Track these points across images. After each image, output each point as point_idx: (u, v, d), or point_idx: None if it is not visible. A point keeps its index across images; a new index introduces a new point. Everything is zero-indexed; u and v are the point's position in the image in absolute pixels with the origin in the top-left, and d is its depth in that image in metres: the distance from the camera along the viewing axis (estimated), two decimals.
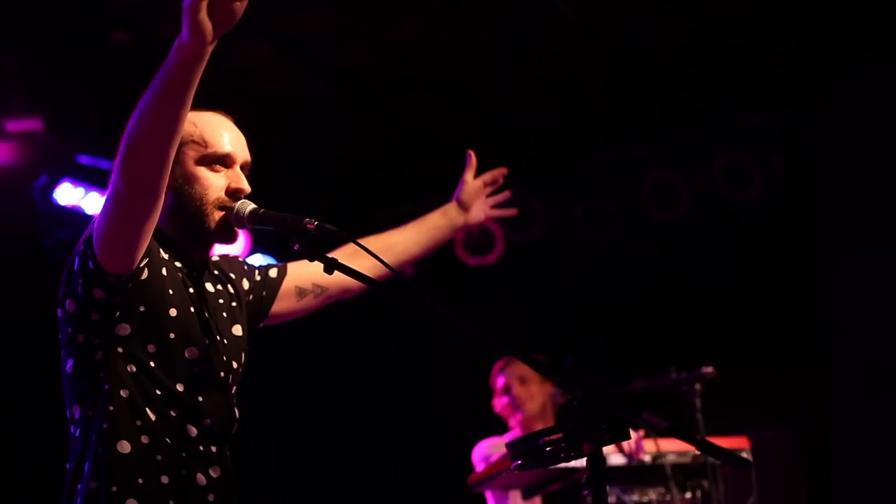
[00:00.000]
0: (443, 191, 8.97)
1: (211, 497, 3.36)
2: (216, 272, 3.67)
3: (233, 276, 3.72)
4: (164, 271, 3.37)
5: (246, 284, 3.76)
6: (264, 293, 3.81)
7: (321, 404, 9.29)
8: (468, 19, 7.47)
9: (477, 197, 4.50)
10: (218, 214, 3.45)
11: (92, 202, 7.76)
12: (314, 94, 8.11)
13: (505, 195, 4.64)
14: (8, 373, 7.33)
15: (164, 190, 3.18)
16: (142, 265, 3.27)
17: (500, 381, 6.96)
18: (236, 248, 8.80)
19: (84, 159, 7.67)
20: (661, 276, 8.72)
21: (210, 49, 2.94)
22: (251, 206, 3.42)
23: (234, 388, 3.53)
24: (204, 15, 2.87)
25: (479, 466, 6.57)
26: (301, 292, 3.89)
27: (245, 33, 7.28)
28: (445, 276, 8.99)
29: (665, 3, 7.42)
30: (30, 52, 7.11)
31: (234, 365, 3.53)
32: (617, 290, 8.89)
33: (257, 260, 8.97)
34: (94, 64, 7.40)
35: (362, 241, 3.52)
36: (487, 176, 4.56)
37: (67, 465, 3.35)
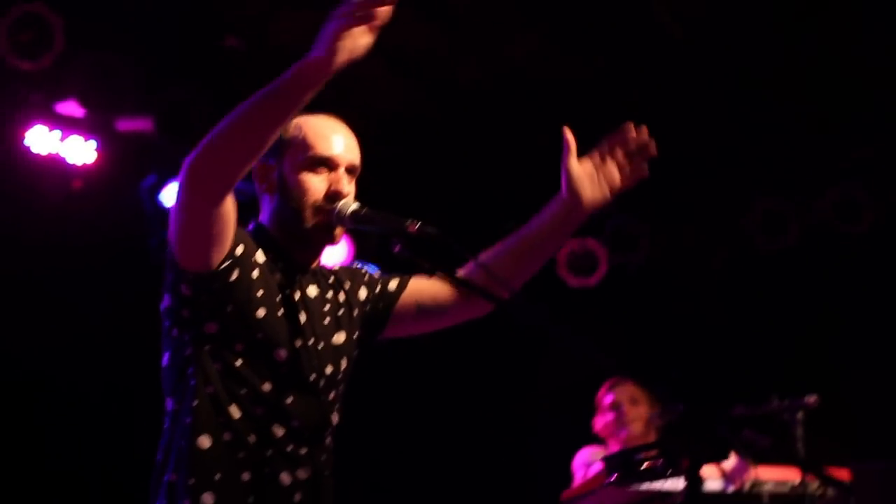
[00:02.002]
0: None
1: (297, 497, 3.35)
2: (330, 279, 3.65)
3: (348, 284, 3.69)
4: (255, 273, 3.38)
5: (363, 294, 3.73)
6: (381, 304, 3.75)
7: (411, 419, 9.27)
8: (580, 38, 7.42)
9: (591, 178, 3.78)
10: (316, 217, 3.45)
11: None
12: (424, 110, 8.11)
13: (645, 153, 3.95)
14: (116, 372, 7.39)
15: (225, 200, 3.20)
16: (224, 266, 3.29)
17: (608, 399, 6.84)
18: (339, 255, 8.84)
19: None
20: (765, 303, 8.60)
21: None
22: (354, 205, 3.40)
23: (332, 393, 3.51)
24: (344, 42, 2.92)
25: (579, 473, 6.49)
26: (420, 308, 3.78)
27: None
28: (547, 297, 8.92)
29: (781, 27, 7.32)
30: (143, 53, 7.19)
31: (329, 370, 3.50)
32: (720, 315, 8.77)
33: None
34: (207, 68, 7.47)
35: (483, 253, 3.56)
36: (608, 145, 3.86)
37: (157, 457, 3.39)
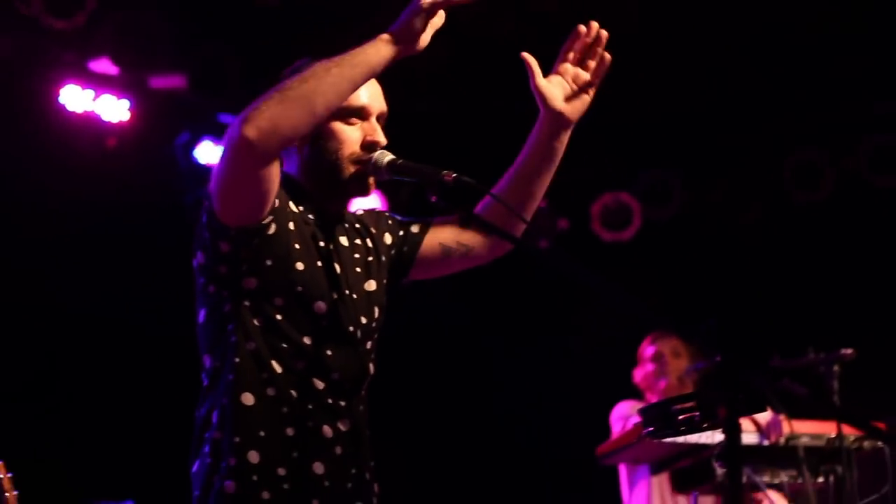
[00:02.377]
0: (579, 164, 9.00)
1: (338, 450, 3.33)
2: (357, 226, 3.62)
3: (374, 230, 3.65)
4: (291, 225, 3.35)
5: (388, 239, 3.68)
6: (405, 248, 3.70)
7: (450, 367, 9.28)
8: None
9: (564, 89, 3.74)
10: (353, 168, 3.42)
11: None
12: (456, 61, 8.07)
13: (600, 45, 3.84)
14: (156, 331, 7.43)
15: (277, 158, 3.20)
16: (266, 221, 3.27)
17: (650, 350, 6.84)
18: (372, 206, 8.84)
19: (226, 118, 7.74)
20: (801, 256, 8.57)
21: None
22: (389, 156, 3.38)
23: (368, 343, 3.49)
24: (426, 22, 3.08)
25: (617, 426, 6.49)
26: (445, 250, 3.74)
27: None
28: (581, 252, 8.92)
29: None
30: (176, 10, 7.19)
31: (365, 320, 3.48)
32: (755, 269, 8.75)
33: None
34: (240, 25, 7.47)
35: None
36: (563, 50, 3.77)
37: (197, 413, 3.37)
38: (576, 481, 8.21)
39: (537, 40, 7.67)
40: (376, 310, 3.55)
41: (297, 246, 3.35)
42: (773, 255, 8.79)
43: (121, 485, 6.98)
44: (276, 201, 3.30)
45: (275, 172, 3.21)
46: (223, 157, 3.19)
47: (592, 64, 3.78)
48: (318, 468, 3.29)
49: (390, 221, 3.74)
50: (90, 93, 7.25)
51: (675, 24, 7.73)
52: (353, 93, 3.23)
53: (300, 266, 3.34)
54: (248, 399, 3.26)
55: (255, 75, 7.31)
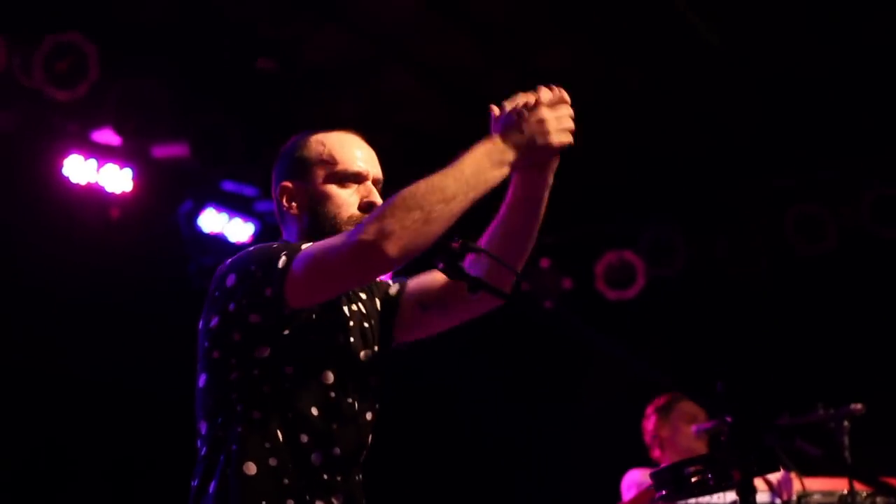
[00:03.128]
0: (582, 222, 9.02)
1: None
2: (353, 291, 3.56)
3: (363, 295, 3.60)
4: None
5: (378, 304, 3.64)
6: (387, 311, 3.66)
7: (454, 424, 9.25)
8: (614, 48, 7.41)
9: None
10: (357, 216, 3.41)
11: (235, 228, 7.85)
12: (456, 124, 8.09)
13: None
14: (152, 395, 7.41)
15: None
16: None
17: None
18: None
19: (228, 186, 7.77)
20: (807, 311, 8.56)
21: None
22: None
23: (370, 414, 3.45)
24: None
25: (628, 493, 6.44)
26: (423, 307, 3.67)
27: (389, 60, 7.31)
28: (585, 310, 8.90)
29: (814, 33, 7.28)
30: (177, 77, 7.22)
31: (367, 388, 3.45)
32: (761, 324, 8.73)
33: None
34: (240, 91, 7.50)
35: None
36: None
37: (192, 483, 3.31)
38: None
39: None
40: (378, 377, 3.50)
41: (314, 316, 3.32)
42: (779, 310, 8.77)
43: None
44: None
45: None
46: (340, 254, 3.11)
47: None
48: None
49: (374, 285, 3.68)
50: (93, 163, 7.26)
51: (676, 79, 7.75)
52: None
53: (313, 337, 3.31)
54: (250, 469, 3.19)
55: (256, 141, 7.34)
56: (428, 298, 3.66)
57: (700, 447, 6.56)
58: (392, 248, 3.03)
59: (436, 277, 3.64)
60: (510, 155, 3.25)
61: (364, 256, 3.06)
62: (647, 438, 6.80)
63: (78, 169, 7.22)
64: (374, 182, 3.52)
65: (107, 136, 7.24)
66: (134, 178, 7.41)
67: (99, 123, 7.18)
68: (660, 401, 6.84)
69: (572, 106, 3.42)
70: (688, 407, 6.70)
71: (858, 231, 8.51)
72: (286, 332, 3.25)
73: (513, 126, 3.27)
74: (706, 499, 5.07)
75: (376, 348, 3.54)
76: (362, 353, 3.47)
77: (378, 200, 3.45)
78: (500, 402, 9.21)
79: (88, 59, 6.69)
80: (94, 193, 7.33)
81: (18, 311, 7.23)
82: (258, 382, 3.25)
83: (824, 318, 8.48)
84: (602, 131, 8.18)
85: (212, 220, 7.76)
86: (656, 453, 6.75)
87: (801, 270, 8.74)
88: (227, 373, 3.27)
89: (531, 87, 3.37)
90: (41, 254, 7.25)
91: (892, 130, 8.16)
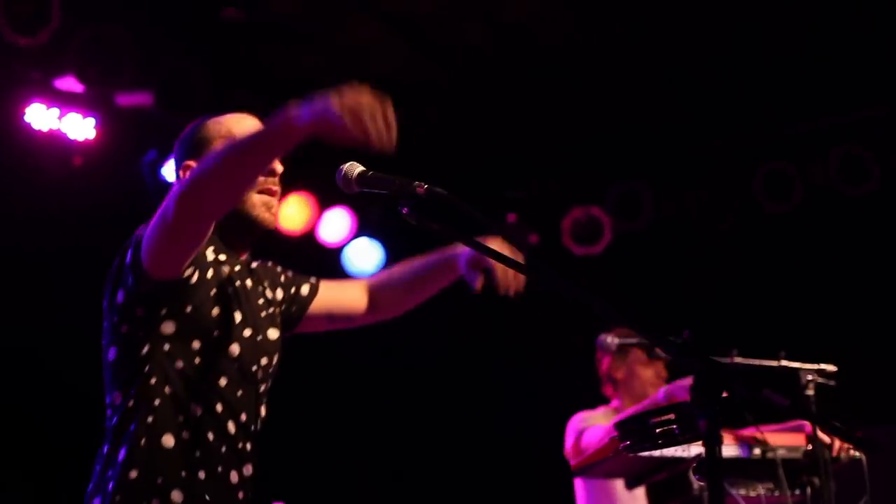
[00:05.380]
0: (549, 177, 8.99)
1: (240, 495, 3.41)
2: (258, 274, 3.73)
3: (266, 282, 3.75)
4: (209, 272, 3.43)
5: (280, 295, 3.81)
6: (294, 308, 3.85)
7: (421, 385, 9.25)
8: (581, 1, 7.36)
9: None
10: (258, 198, 3.52)
11: None
12: (423, 76, 8.03)
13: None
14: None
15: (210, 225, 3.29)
16: (187, 273, 3.34)
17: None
18: (343, 231, 8.78)
19: None
20: (773, 267, 8.57)
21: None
22: (359, 168, 3.31)
23: (263, 385, 3.56)
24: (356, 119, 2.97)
25: (570, 439, 6.41)
26: (330, 318, 3.96)
27: (356, 10, 7.24)
28: (552, 266, 8.87)
29: None
30: (141, 25, 7.13)
31: (265, 362, 3.57)
32: (727, 281, 8.73)
33: (363, 244, 9.00)
34: (205, 39, 7.42)
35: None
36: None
37: (100, 450, 3.40)
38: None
39: (507, 50, 7.71)
40: (275, 356, 3.64)
41: (213, 292, 3.41)
42: (745, 266, 8.77)
43: None
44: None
45: (206, 234, 3.30)
46: (160, 220, 3.24)
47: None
48: None
49: (282, 278, 3.86)
50: (55, 111, 7.18)
51: (644, 35, 7.71)
52: (268, 164, 3.42)
53: (216, 311, 3.41)
54: (168, 441, 3.29)
55: (221, 89, 7.27)
56: (338, 311, 3.97)
57: (654, 392, 6.54)
58: (183, 196, 3.17)
59: (345, 291, 4.00)
60: (301, 117, 3.00)
61: (170, 207, 3.19)
62: (601, 374, 6.75)
63: (40, 116, 7.14)
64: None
65: (69, 84, 7.16)
66: (97, 127, 7.33)
67: (61, 71, 7.10)
68: None
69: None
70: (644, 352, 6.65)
71: (825, 189, 8.51)
72: (188, 309, 3.36)
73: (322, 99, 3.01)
74: (671, 450, 5.05)
75: (278, 331, 3.68)
76: (269, 331, 3.63)
77: (278, 168, 3.56)
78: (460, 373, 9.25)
79: (51, 5, 6.60)
80: (56, 141, 7.25)
81: None
82: (168, 357, 3.35)
83: (790, 274, 8.49)
84: (570, 85, 8.15)
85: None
86: (608, 390, 6.71)
87: (767, 227, 8.74)
88: (137, 346, 3.37)
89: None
90: (2, 201, 7.17)
91: (862, 88, 8.14)
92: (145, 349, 3.34)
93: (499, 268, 3.72)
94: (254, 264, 3.74)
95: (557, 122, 8.42)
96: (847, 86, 8.14)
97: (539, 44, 7.68)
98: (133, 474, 3.25)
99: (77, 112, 7.27)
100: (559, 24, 7.53)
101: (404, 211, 3.14)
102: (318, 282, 3.94)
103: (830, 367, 5.62)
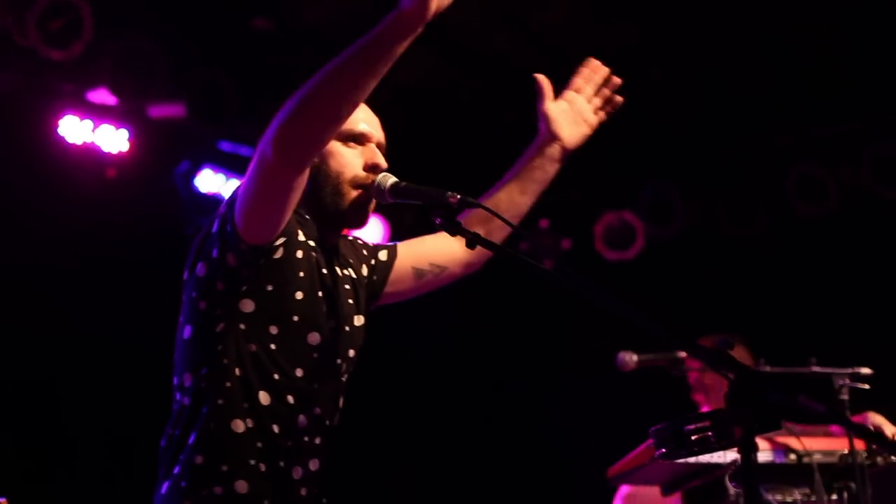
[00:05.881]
0: (584, 183, 8.97)
1: (303, 491, 3.30)
2: (344, 255, 3.59)
3: (352, 261, 3.63)
4: (299, 253, 3.32)
5: (364, 270, 3.67)
6: (375, 277, 3.69)
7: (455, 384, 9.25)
8: (612, 6, 7.35)
9: (567, 117, 3.92)
10: (354, 192, 3.40)
11: (232, 189, 7.80)
12: (454, 82, 8.04)
13: (610, 87, 3.99)
14: (156, 361, 7.38)
15: (306, 168, 3.15)
16: (278, 243, 3.24)
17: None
18: (374, 234, 8.81)
19: (225, 146, 7.74)
20: (807, 271, 8.53)
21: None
22: (392, 178, 3.35)
23: (346, 377, 3.47)
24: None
25: None
26: (419, 273, 3.76)
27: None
28: (584, 271, 8.86)
29: None
30: (173, 37, 7.17)
31: (351, 353, 3.47)
32: (760, 285, 8.70)
33: None
34: (236, 50, 7.44)
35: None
36: (576, 81, 3.98)
37: (171, 432, 3.29)
38: None
39: (535, 58, 7.70)
40: (360, 344, 3.53)
41: (301, 274, 3.31)
42: (779, 271, 8.74)
43: None
44: (288, 226, 3.27)
45: (302, 183, 3.16)
46: (255, 168, 3.11)
47: (598, 101, 3.93)
48: None
49: (365, 251, 3.73)
50: (89, 123, 7.23)
51: (676, 39, 7.69)
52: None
53: (300, 295, 3.30)
54: (238, 426, 3.19)
55: (252, 101, 7.29)
56: (422, 264, 3.77)
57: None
58: (281, 127, 2.99)
59: (426, 243, 3.78)
60: (400, 14, 2.95)
61: (265, 148, 3.03)
62: (692, 380, 6.76)
63: (74, 129, 7.19)
64: (378, 146, 3.50)
65: (102, 97, 7.20)
66: (130, 139, 7.38)
67: (94, 83, 7.14)
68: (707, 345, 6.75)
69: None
70: (739, 355, 6.65)
71: (859, 191, 8.46)
72: (269, 287, 3.24)
73: None
74: (707, 457, 5.04)
75: (364, 314, 3.56)
76: (355, 318, 3.50)
77: (382, 162, 3.44)
78: (502, 379, 9.24)
79: (83, 18, 6.64)
80: (90, 153, 7.29)
81: (15, 272, 7.17)
82: (244, 338, 3.23)
83: (824, 279, 8.45)
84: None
85: (209, 181, 7.74)
86: (699, 397, 6.72)
87: (800, 231, 8.70)
88: (213, 324, 3.25)
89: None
90: (37, 213, 7.20)
91: (893, 89, 8.10)
92: (221, 327, 3.22)
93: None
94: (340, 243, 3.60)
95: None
96: (878, 87, 8.10)
97: (568, 48, 7.68)
98: (199, 459, 3.16)
99: (110, 124, 7.31)
100: (589, 28, 7.53)
101: (437, 221, 3.14)
102: (396, 245, 3.80)
103: (865, 370, 5.59)
